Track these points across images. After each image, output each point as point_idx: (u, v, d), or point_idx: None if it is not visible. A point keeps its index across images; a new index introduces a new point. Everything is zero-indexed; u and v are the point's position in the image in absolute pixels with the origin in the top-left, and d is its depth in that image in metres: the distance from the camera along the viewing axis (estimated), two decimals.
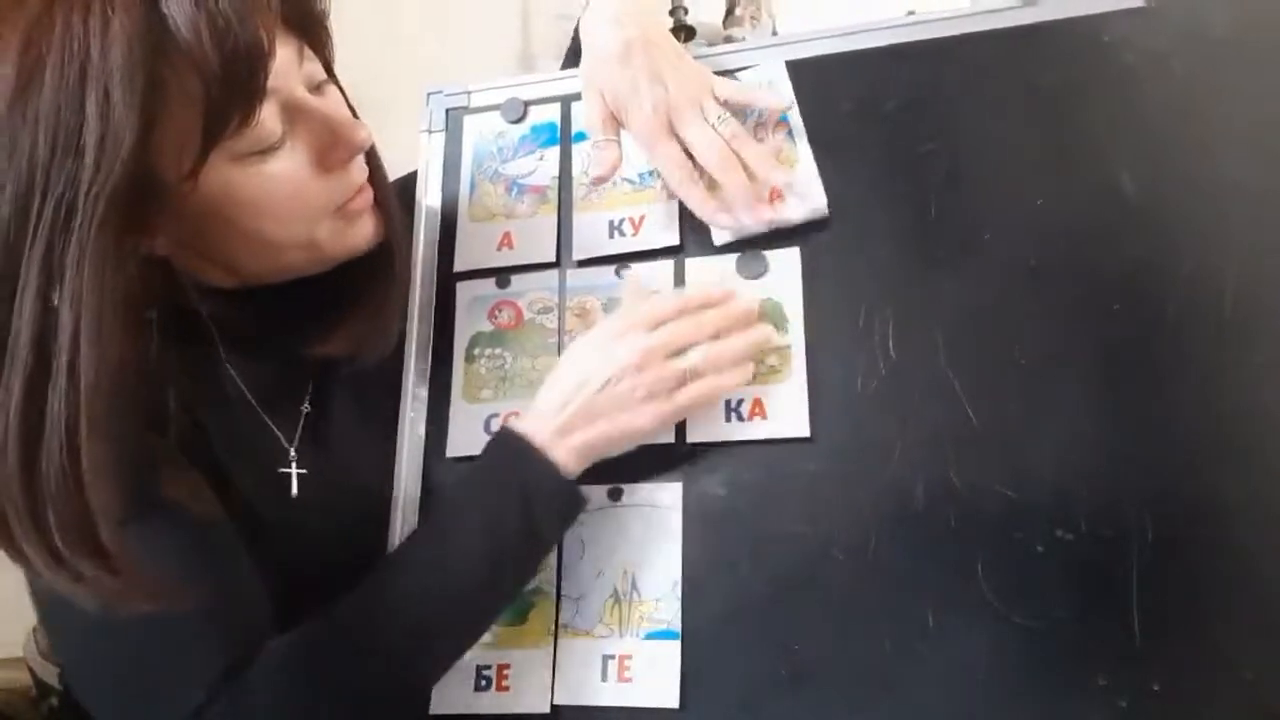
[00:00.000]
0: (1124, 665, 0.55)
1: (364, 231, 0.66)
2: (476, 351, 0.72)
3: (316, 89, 0.63)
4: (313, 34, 0.63)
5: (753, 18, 0.91)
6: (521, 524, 0.61)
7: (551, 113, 0.78)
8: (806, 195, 0.68)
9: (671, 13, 0.76)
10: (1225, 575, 0.56)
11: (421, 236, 0.77)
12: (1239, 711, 0.54)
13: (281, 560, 0.63)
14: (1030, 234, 0.64)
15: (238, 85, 0.53)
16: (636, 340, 0.63)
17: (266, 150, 0.58)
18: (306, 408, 0.71)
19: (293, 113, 0.60)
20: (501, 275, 0.74)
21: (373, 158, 0.68)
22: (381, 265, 0.69)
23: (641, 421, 0.62)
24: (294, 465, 0.68)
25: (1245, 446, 0.58)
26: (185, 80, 0.52)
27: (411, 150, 0.79)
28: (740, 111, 0.71)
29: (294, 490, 0.68)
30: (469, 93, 0.80)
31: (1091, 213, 0.64)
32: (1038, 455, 0.60)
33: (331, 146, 0.62)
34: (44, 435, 0.50)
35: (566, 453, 0.62)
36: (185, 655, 0.57)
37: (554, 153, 0.76)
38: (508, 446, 0.63)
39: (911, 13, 0.70)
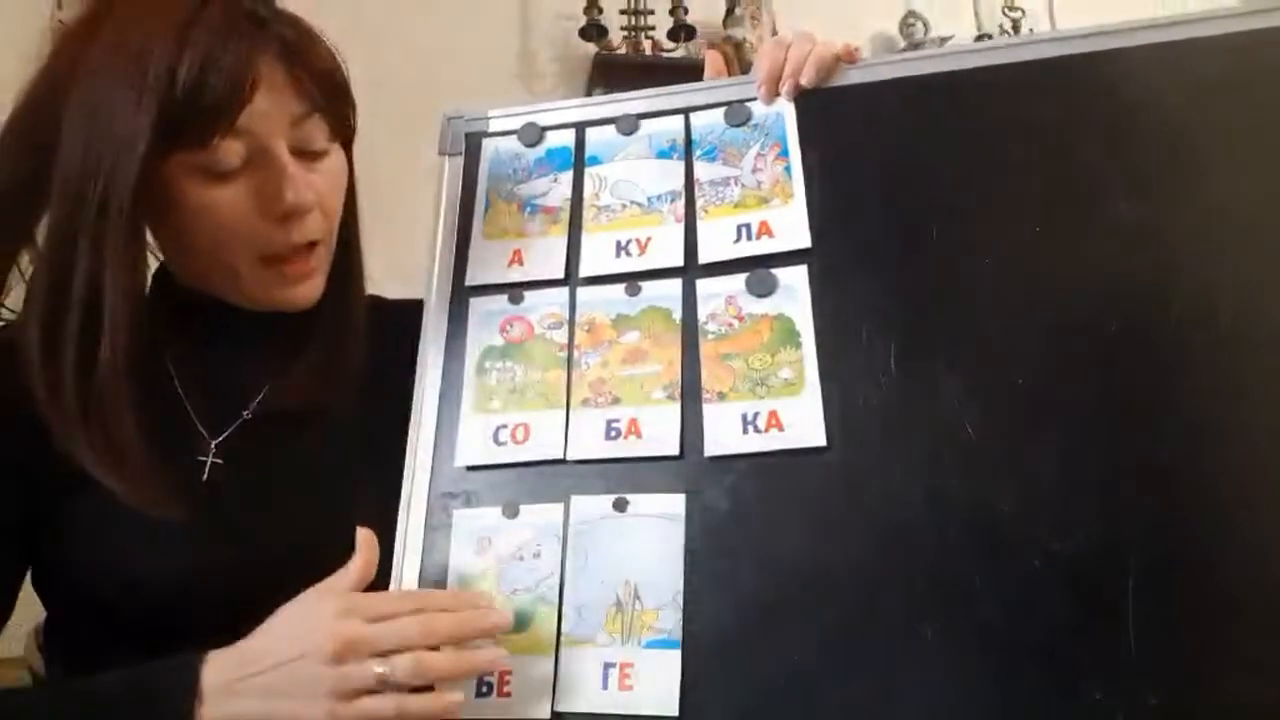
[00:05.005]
0: (1120, 679, 0.56)
1: (294, 296, 0.72)
2: (487, 364, 0.74)
3: (308, 154, 0.68)
4: (331, 104, 0.69)
5: (753, 17, 0.93)
6: None
7: (567, 138, 0.80)
8: (792, 231, 0.72)
9: (672, 12, 0.78)
10: (1221, 590, 0.57)
11: (438, 251, 0.79)
12: None
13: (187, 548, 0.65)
14: (1028, 259, 0.66)
15: (197, 113, 0.62)
16: (346, 627, 0.56)
17: (217, 176, 0.65)
18: (248, 414, 0.74)
19: (257, 156, 0.66)
20: (514, 291, 0.75)
21: (349, 228, 0.76)
22: (333, 324, 0.75)
23: (310, 715, 0.55)
24: (211, 455, 0.71)
25: (1240, 464, 0.59)
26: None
27: (406, 146, 0.81)
28: (743, 141, 0.75)
29: (204, 476, 0.70)
30: (488, 118, 0.83)
31: (1089, 239, 0.66)
32: (1035, 472, 0.61)
33: (274, 198, 0.66)
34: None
35: (214, 712, 0.56)
36: None
37: (568, 176, 0.79)
38: (176, 676, 0.58)
39: (912, 24, 0.73)
